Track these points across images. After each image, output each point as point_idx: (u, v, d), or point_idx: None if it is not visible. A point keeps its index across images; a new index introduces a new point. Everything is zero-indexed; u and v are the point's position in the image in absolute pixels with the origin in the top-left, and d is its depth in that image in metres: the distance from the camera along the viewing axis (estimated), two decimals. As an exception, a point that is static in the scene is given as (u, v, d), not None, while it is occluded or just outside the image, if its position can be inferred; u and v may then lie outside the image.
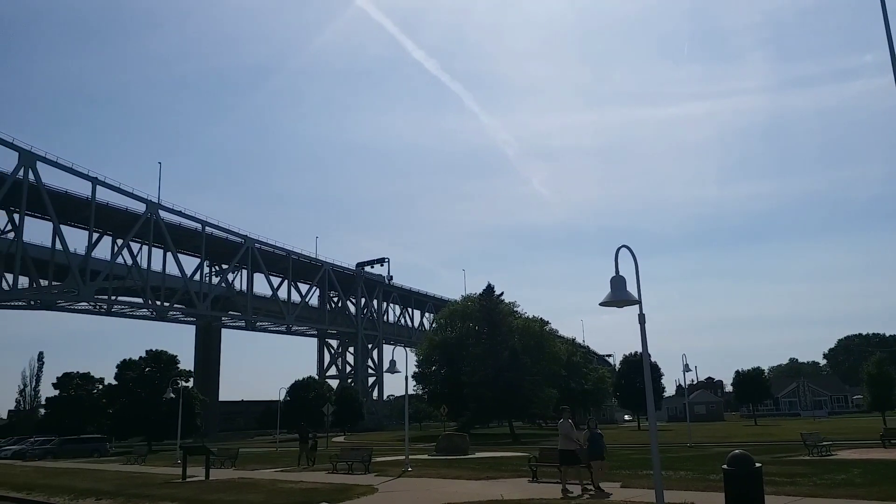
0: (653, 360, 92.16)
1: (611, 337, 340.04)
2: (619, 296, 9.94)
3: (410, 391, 33.12)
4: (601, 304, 10.11)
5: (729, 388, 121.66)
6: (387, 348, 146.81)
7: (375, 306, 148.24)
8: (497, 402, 63.25)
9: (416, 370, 75.98)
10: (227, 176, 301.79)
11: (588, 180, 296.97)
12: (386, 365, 56.74)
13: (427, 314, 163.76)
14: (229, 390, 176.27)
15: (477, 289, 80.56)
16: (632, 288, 10.03)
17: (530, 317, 79.17)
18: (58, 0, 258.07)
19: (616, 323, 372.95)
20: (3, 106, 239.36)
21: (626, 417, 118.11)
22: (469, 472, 23.58)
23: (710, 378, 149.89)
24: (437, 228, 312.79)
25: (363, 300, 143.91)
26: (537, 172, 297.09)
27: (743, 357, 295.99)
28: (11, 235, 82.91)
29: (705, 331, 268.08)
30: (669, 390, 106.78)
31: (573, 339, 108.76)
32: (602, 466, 17.23)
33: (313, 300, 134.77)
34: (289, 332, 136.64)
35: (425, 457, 35.30)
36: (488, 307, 68.40)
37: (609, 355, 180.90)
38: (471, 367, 66.16)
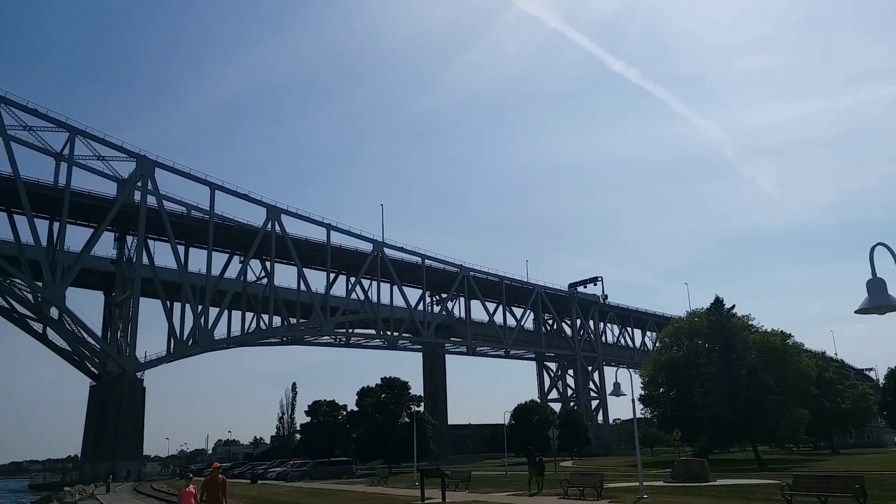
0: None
1: (869, 348, 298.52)
2: (879, 301, 8.57)
3: (638, 414, 31.56)
4: (857, 312, 8.80)
5: None
6: (608, 370, 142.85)
7: (592, 327, 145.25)
8: (737, 424, 58.10)
9: (642, 392, 72.55)
10: (441, 209, 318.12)
11: (822, 174, 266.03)
12: (608, 387, 54.91)
13: (649, 333, 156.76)
14: (456, 414, 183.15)
15: (701, 303, 75.51)
16: (893, 291, 8.60)
17: (768, 330, 71.98)
18: (282, 71, 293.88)
19: (875, 332, 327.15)
20: (250, 168, 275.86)
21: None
22: (713, 501, 21.76)
23: None
24: (651, 242, 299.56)
25: (578, 321, 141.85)
26: (762, 171, 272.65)
27: None
28: (265, 281, 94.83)
29: None
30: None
31: (823, 353, 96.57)
32: None
33: (528, 323, 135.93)
34: (507, 355, 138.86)
35: (660, 483, 33.33)
36: (718, 322, 63.41)
37: (869, 369, 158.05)
38: (703, 388, 61.60)
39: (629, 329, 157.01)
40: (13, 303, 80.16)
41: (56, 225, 78.59)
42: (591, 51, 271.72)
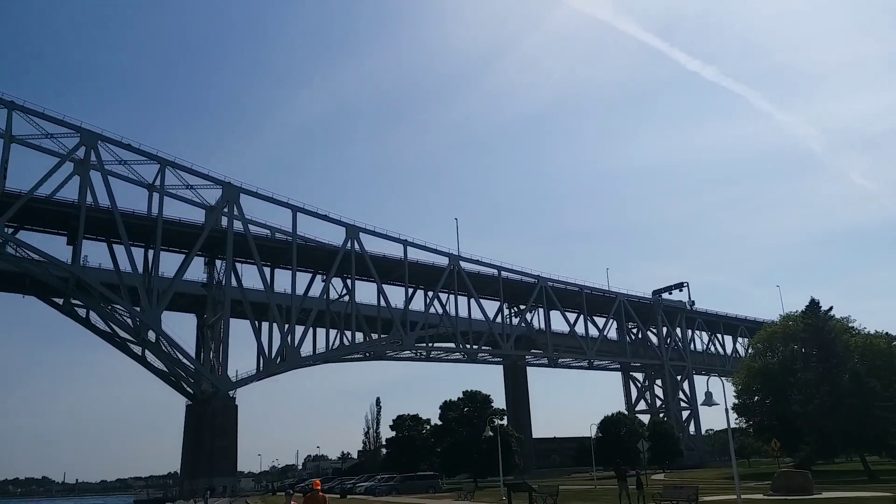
0: None
1: None
2: None
3: (732, 424, 30.06)
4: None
5: None
6: (698, 379, 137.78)
7: (679, 335, 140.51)
8: (842, 433, 54.65)
9: (736, 401, 69.40)
10: (516, 221, 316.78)
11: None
12: (699, 397, 52.77)
13: (740, 339, 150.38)
14: (541, 427, 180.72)
15: (795, 306, 71.60)
16: None
17: (871, 332, 67.51)
18: (355, 94, 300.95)
19: None
20: (328, 188, 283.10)
21: None
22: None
23: None
24: (738, 244, 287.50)
25: (664, 329, 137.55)
26: (855, 164, 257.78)
27: None
28: (347, 298, 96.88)
29: None
30: None
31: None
32: None
33: (612, 333, 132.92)
34: (591, 366, 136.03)
35: (760, 497, 31.67)
36: (815, 325, 59.99)
37: None
38: (802, 396, 58.32)
39: (719, 336, 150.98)
40: (114, 327, 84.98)
41: (151, 252, 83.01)
42: (664, 51, 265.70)
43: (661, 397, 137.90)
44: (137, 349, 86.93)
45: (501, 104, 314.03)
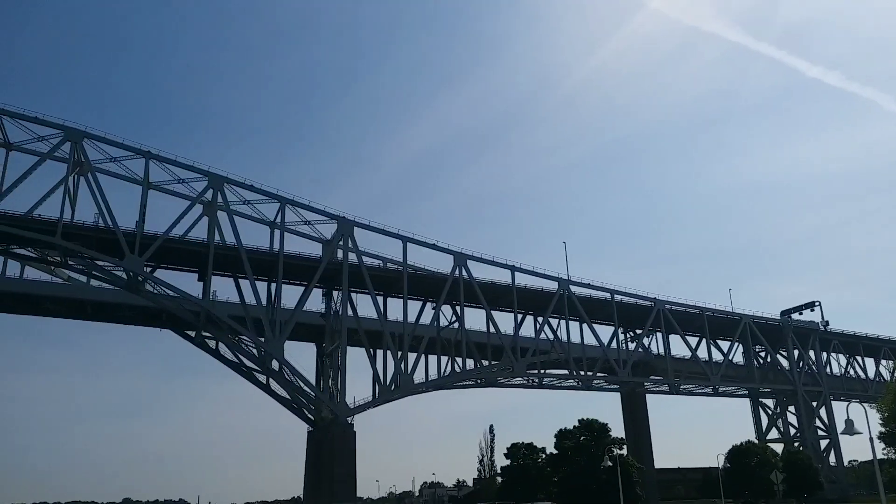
0: None
1: None
2: None
3: (879, 455, 27.36)
4: None
5: None
6: (836, 405, 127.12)
7: (812, 357, 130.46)
8: None
9: (882, 429, 63.35)
10: (628, 242, 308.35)
11: None
12: (839, 425, 48.58)
13: (883, 361, 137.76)
14: (662, 457, 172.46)
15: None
16: None
17: None
18: (458, 124, 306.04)
19: None
20: (436, 216, 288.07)
21: None
22: None
23: None
24: (876, 258, 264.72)
25: (796, 352, 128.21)
26: None
27: None
28: (457, 325, 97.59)
29: None
30: None
31: None
32: None
33: (737, 357, 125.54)
34: (716, 393, 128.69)
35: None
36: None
37: None
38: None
39: (859, 358, 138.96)
40: (241, 357, 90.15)
41: (273, 286, 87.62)
42: (781, 59, 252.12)
43: (795, 425, 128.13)
44: (262, 378, 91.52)
45: (602, 124, 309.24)
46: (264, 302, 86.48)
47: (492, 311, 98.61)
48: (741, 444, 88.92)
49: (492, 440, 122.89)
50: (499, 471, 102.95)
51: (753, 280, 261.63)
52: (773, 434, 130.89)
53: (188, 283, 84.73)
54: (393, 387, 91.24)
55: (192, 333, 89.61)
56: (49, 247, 77.34)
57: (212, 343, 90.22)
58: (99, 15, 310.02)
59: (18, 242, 78.19)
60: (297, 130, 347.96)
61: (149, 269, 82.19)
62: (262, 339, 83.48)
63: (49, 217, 75.36)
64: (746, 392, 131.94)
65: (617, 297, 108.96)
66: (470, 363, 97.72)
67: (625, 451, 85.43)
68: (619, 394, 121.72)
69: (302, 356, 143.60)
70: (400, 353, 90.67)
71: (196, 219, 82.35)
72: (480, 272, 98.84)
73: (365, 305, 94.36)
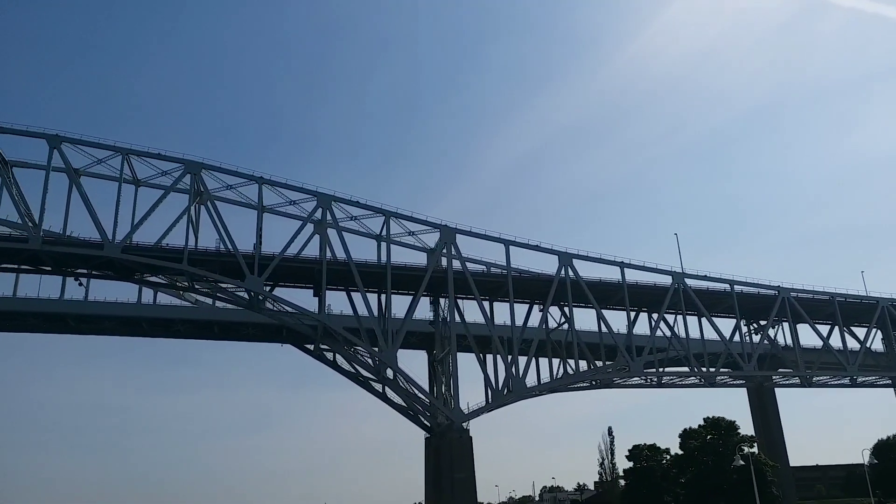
0: None
1: None
2: None
3: None
4: None
5: None
6: None
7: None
8: None
9: None
10: (742, 229, 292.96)
11: None
12: None
13: None
14: (798, 454, 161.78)
15: None
16: None
17: None
18: (553, 123, 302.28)
19: None
20: (539, 216, 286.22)
21: None
22: None
23: None
24: None
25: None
26: None
27: None
28: (566, 327, 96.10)
29: None
30: None
31: None
32: None
33: (877, 344, 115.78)
34: (853, 384, 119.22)
35: None
36: None
37: None
38: None
39: None
40: (357, 368, 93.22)
41: (383, 297, 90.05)
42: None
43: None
44: (378, 386, 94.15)
45: (714, 109, 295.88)
46: (376, 313, 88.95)
47: (602, 311, 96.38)
48: (888, 437, 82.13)
49: (611, 442, 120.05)
50: (621, 473, 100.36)
51: (888, 261, 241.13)
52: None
53: (305, 298, 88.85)
54: (505, 391, 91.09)
55: (311, 347, 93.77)
56: (178, 273, 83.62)
57: (329, 355, 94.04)
58: (202, 50, 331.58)
59: (151, 271, 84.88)
60: (401, 142, 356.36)
61: (268, 288, 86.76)
62: (376, 349, 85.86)
63: (175, 245, 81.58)
64: (889, 381, 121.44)
65: (737, 287, 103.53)
66: (583, 364, 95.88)
67: (756, 449, 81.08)
68: (745, 389, 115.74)
69: (414, 364, 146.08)
70: (510, 357, 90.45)
71: (308, 237, 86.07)
72: (587, 271, 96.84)
73: (472, 311, 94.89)
